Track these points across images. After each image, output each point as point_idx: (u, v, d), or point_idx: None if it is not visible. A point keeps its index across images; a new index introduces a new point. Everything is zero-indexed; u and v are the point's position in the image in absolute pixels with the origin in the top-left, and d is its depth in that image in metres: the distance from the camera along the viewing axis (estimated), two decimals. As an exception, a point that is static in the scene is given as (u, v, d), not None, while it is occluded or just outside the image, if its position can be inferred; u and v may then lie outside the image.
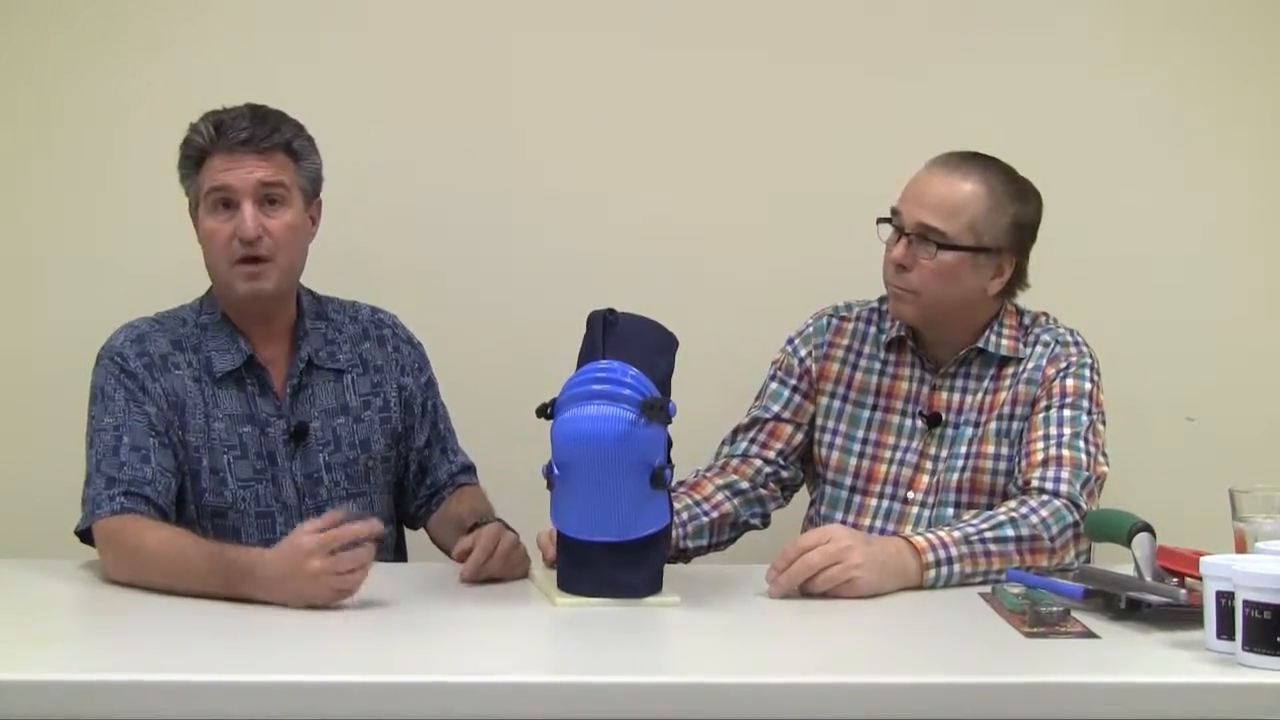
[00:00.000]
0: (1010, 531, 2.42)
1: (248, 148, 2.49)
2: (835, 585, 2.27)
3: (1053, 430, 2.58)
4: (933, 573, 2.35)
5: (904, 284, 2.63)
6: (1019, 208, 2.65)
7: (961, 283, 2.62)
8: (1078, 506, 2.48)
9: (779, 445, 2.75)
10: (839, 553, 2.28)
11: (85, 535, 2.45)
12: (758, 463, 2.74)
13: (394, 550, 2.69)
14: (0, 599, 2.32)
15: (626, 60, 3.16)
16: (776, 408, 2.75)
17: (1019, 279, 2.68)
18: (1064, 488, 2.50)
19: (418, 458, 2.71)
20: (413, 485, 2.72)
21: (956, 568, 2.37)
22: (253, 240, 2.49)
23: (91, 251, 3.12)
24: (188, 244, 2.60)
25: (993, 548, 2.39)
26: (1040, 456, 2.55)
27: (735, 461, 2.74)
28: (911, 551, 2.35)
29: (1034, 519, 2.44)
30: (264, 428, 2.56)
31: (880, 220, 2.66)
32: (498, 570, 2.38)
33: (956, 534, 2.39)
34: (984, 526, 2.41)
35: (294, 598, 2.18)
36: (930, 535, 2.38)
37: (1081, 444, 2.56)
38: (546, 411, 2.27)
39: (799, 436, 2.75)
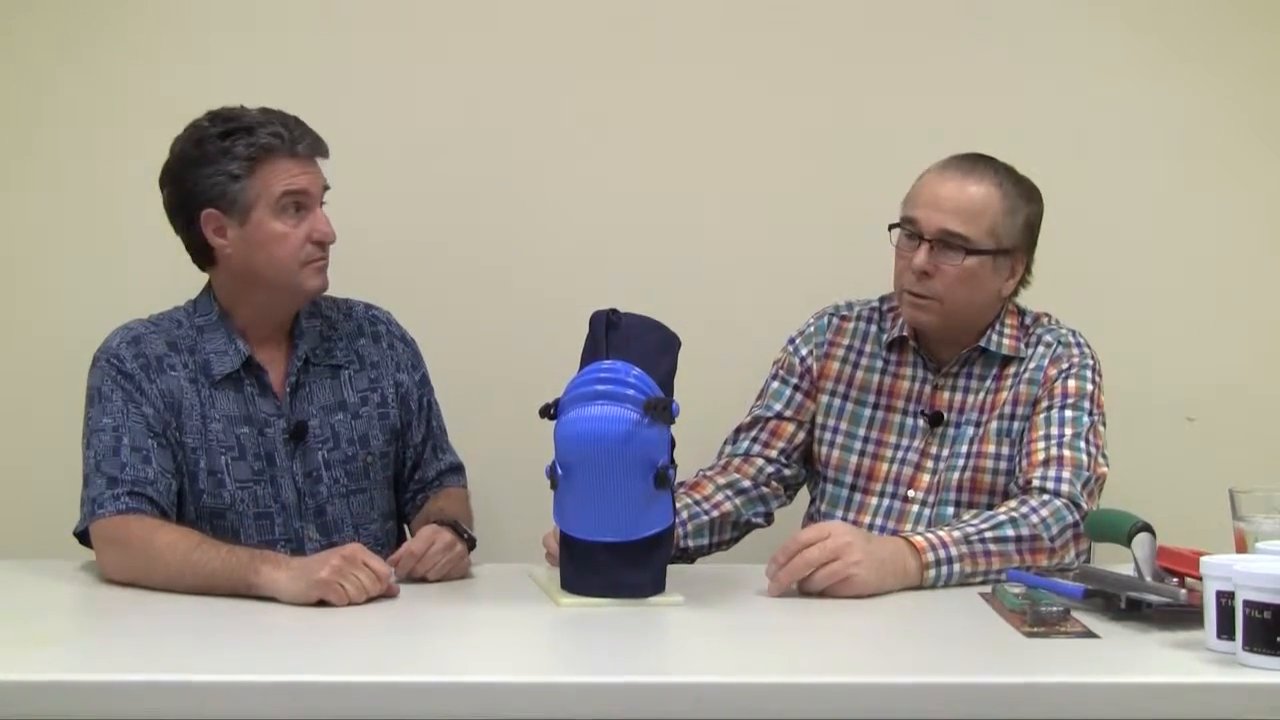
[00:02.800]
0: (1010, 531, 2.42)
1: (314, 151, 2.55)
2: (834, 581, 2.27)
3: (1054, 430, 2.58)
4: (933, 572, 2.35)
5: (927, 291, 2.61)
6: (1029, 207, 2.65)
7: (982, 286, 2.62)
8: (1078, 506, 2.48)
9: (781, 444, 2.75)
10: (838, 549, 2.28)
11: (83, 536, 2.45)
12: (760, 462, 2.74)
13: (395, 546, 2.69)
14: (0, 599, 2.32)
15: (627, 60, 3.16)
16: (778, 406, 2.76)
17: (1024, 277, 2.68)
18: (1064, 488, 2.50)
19: (413, 455, 2.72)
20: (404, 481, 2.74)
21: (956, 567, 2.37)
22: (330, 242, 2.56)
23: (91, 251, 3.12)
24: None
25: (993, 547, 2.39)
26: (1041, 456, 2.55)
27: (737, 461, 2.74)
28: (911, 551, 2.35)
29: (1034, 519, 2.44)
30: (262, 428, 2.56)
31: (892, 226, 2.65)
32: (424, 572, 2.40)
33: (956, 534, 2.39)
34: (984, 526, 2.41)
35: (301, 570, 2.22)
36: (930, 535, 2.38)
37: (1082, 444, 2.56)
38: (550, 412, 2.27)
39: (801, 435, 2.75)
